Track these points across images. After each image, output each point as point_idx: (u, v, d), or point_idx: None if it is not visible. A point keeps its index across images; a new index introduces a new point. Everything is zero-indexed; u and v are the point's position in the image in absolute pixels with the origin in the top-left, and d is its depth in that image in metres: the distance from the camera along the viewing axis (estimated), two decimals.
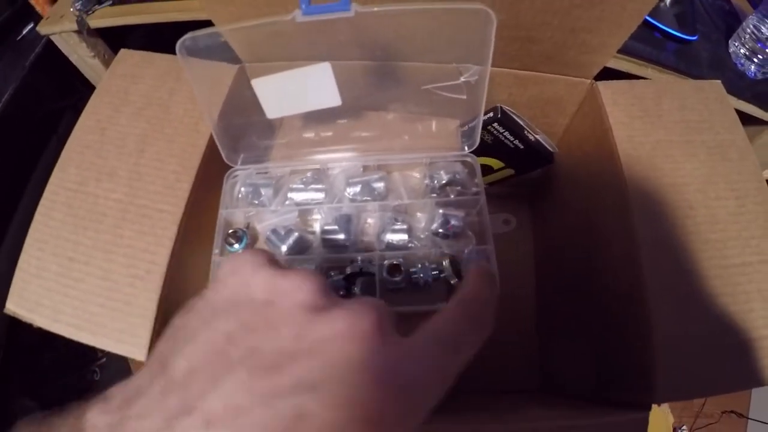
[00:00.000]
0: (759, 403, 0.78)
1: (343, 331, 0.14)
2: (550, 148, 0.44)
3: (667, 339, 0.32)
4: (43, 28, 0.57)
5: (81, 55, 0.59)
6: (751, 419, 0.78)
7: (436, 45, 0.30)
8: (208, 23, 0.41)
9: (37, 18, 0.62)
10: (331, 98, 0.29)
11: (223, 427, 0.13)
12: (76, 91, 0.69)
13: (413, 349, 0.16)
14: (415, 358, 0.15)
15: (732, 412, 0.81)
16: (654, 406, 0.33)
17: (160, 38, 0.54)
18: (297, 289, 0.16)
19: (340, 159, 0.34)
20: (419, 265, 0.30)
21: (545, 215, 0.55)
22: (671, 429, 0.73)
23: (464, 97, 0.31)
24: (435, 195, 0.33)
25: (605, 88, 0.41)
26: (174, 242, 0.35)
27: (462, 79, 0.29)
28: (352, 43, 0.30)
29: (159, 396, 0.14)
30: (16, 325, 0.36)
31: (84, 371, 0.83)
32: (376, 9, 0.25)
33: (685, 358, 0.32)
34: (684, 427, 0.81)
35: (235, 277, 0.16)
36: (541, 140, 0.43)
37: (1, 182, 0.61)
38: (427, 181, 0.33)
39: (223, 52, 0.38)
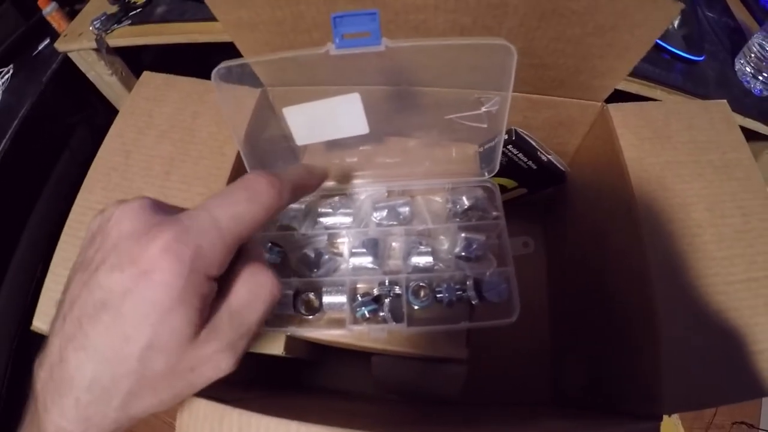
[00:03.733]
0: None
1: (116, 214, 0.19)
2: (561, 168, 0.45)
3: (674, 352, 0.34)
4: (61, 46, 0.58)
5: (99, 72, 0.60)
6: (762, 430, 0.79)
7: (459, 75, 0.31)
8: (226, 44, 0.42)
9: (51, 33, 0.63)
10: (360, 127, 0.31)
11: (92, 315, 0.18)
12: (90, 106, 0.70)
13: (184, 218, 0.19)
14: (176, 221, 0.19)
15: (743, 422, 0.82)
16: (665, 418, 0.34)
17: (173, 56, 0.56)
18: (105, 218, 0.21)
19: (365, 184, 0.35)
20: (444, 286, 0.32)
21: (557, 233, 0.56)
22: None
23: (485, 125, 0.32)
24: (457, 219, 0.34)
25: (616, 110, 0.42)
26: None
27: (483, 109, 0.31)
28: (378, 73, 0.31)
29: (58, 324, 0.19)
30: (26, 337, 0.37)
31: None
32: (404, 44, 0.27)
33: (692, 371, 0.34)
34: None
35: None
36: (553, 160, 0.45)
37: (16, 194, 0.62)
38: (449, 206, 0.34)
39: (247, 77, 0.40)
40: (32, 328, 0.38)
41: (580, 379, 0.47)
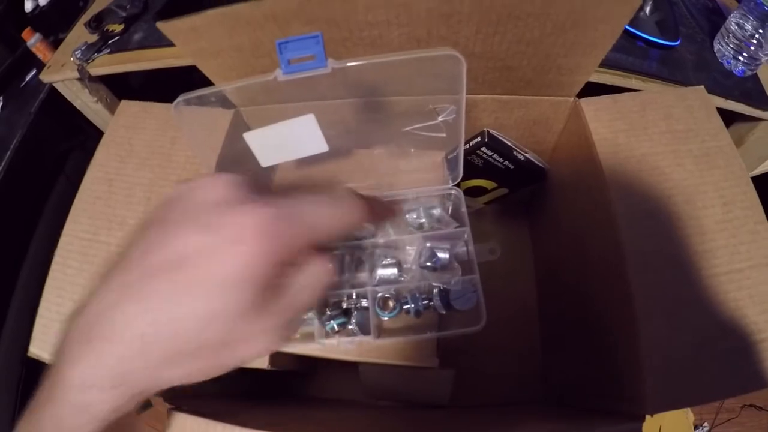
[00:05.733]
0: None
1: (206, 181, 0.19)
2: (541, 165, 0.45)
3: (655, 351, 0.33)
4: (45, 77, 0.59)
5: (84, 100, 0.61)
6: None
7: (414, 87, 0.31)
8: None
9: (37, 64, 0.64)
10: (318, 145, 0.31)
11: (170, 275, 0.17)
12: (82, 131, 0.72)
13: (275, 199, 0.19)
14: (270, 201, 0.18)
15: (751, 405, 0.81)
16: None
17: (161, 77, 0.57)
18: (188, 186, 0.20)
19: None
20: (409, 297, 0.32)
21: (542, 231, 0.56)
22: (692, 428, 0.71)
23: (444, 135, 0.32)
24: (423, 229, 0.35)
25: (588, 105, 0.41)
26: None
27: (440, 119, 0.31)
28: (335, 90, 0.31)
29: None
30: (34, 363, 0.39)
31: None
32: (350, 64, 0.27)
33: (675, 369, 0.33)
34: (705, 425, 0.80)
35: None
36: (531, 158, 0.44)
37: (13, 223, 0.64)
38: (414, 216, 0.35)
39: (218, 99, 0.40)
40: (29, 354, 0.40)
41: (567, 378, 0.46)
